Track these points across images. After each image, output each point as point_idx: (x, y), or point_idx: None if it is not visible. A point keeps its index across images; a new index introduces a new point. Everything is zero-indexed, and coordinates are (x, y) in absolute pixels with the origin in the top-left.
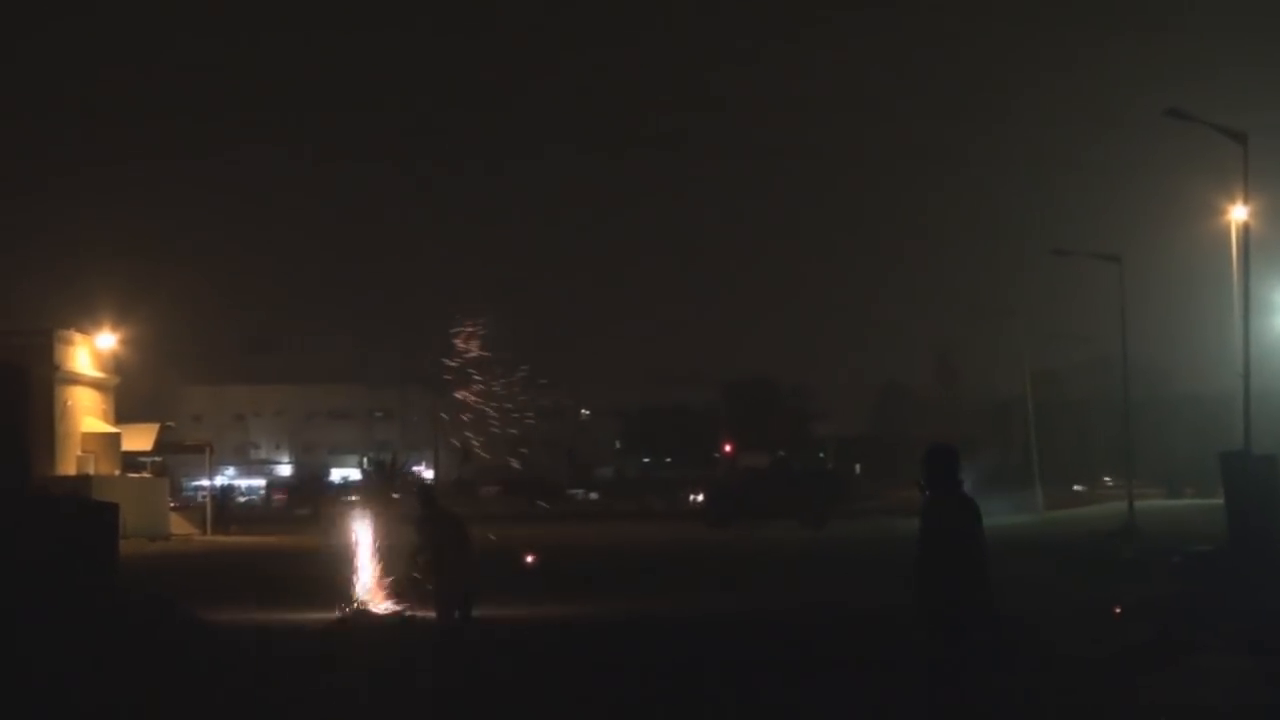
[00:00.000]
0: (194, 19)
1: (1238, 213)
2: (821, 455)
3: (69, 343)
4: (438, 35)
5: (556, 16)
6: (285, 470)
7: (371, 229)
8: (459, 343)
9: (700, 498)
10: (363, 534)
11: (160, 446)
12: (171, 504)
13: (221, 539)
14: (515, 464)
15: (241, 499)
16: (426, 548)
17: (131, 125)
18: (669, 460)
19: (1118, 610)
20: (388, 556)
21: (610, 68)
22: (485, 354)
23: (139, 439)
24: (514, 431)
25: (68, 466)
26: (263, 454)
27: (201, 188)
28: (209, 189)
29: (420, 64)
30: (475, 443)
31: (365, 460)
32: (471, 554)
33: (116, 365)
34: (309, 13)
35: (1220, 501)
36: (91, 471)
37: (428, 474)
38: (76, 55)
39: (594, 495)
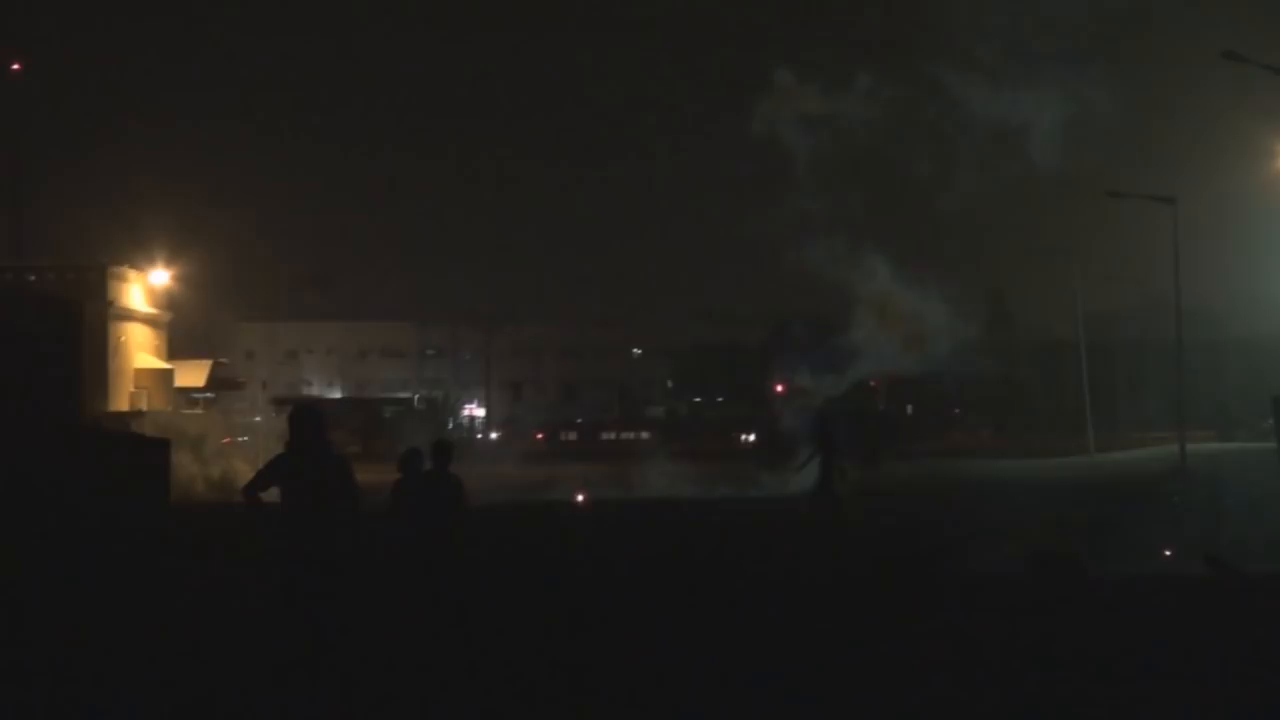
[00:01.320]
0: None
1: None
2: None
3: (123, 279)
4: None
5: None
6: None
7: (421, 168)
8: None
9: (752, 438)
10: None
11: (213, 383)
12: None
13: None
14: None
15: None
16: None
17: (186, 66)
18: (720, 400)
19: (1168, 552)
20: None
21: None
22: None
23: (192, 375)
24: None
25: (120, 402)
26: (315, 391)
27: (254, 123)
28: (262, 124)
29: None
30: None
31: (417, 398)
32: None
33: (170, 301)
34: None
35: (1273, 444)
36: (144, 407)
37: (479, 412)
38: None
39: (645, 435)
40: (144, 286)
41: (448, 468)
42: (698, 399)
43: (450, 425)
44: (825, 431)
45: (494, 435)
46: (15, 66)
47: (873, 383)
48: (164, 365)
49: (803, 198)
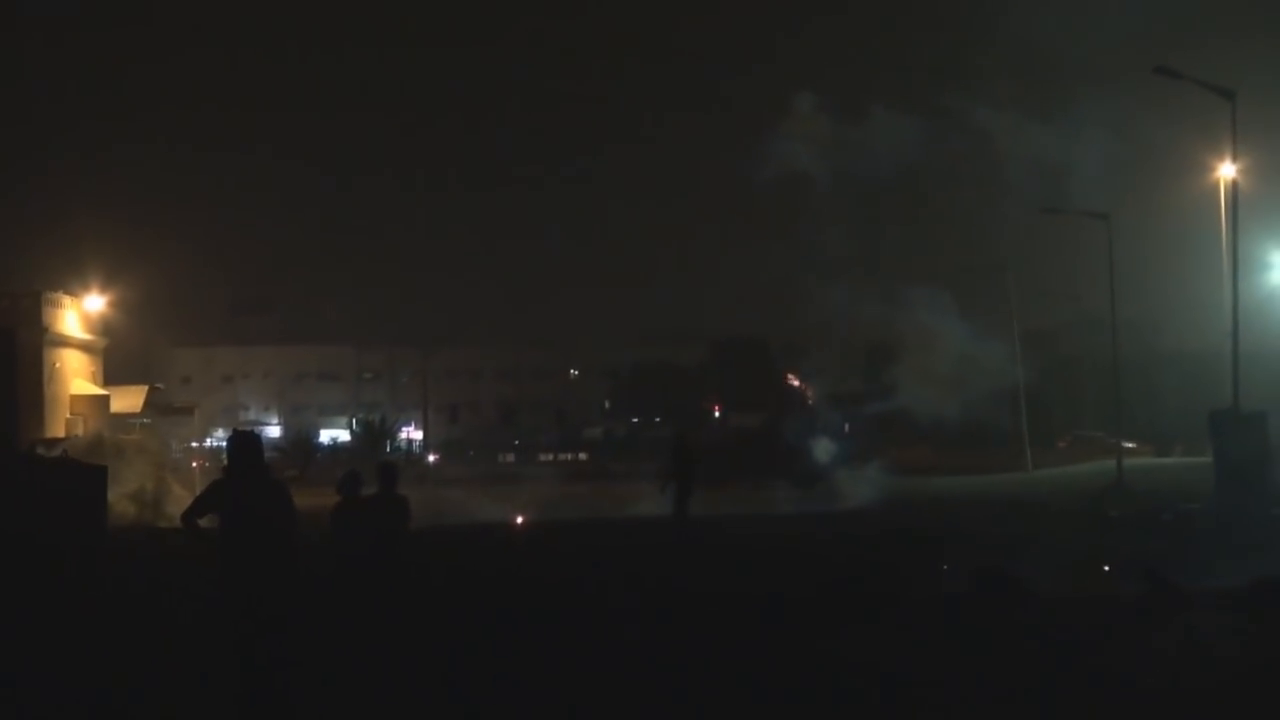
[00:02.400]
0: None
1: (1226, 170)
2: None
3: (57, 305)
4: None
5: None
6: (274, 431)
7: (357, 190)
8: None
9: None
10: None
11: (149, 408)
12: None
13: None
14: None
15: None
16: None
17: (120, 90)
18: (658, 420)
19: (1106, 568)
20: None
21: (598, 25)
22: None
23: (128, 401)
24: None
25: (56, 429)
26: (251, 415)
27: (189, 147)
28: (198, 150)
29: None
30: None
31: (354, 421)
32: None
33: (105, 327)
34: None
35: (1209, 459)
36: (80, 433)
37: (416, 435)
38: (74, 22)
39: (583, 456)
40: (79, 312)
41: (394, 489)
42: (635, 419)
43: (389, 448)
44: (684, 457)
45: (432, 458)
46: None
47: (808, 398)
48: (100, 391)
49: (746, 218)
